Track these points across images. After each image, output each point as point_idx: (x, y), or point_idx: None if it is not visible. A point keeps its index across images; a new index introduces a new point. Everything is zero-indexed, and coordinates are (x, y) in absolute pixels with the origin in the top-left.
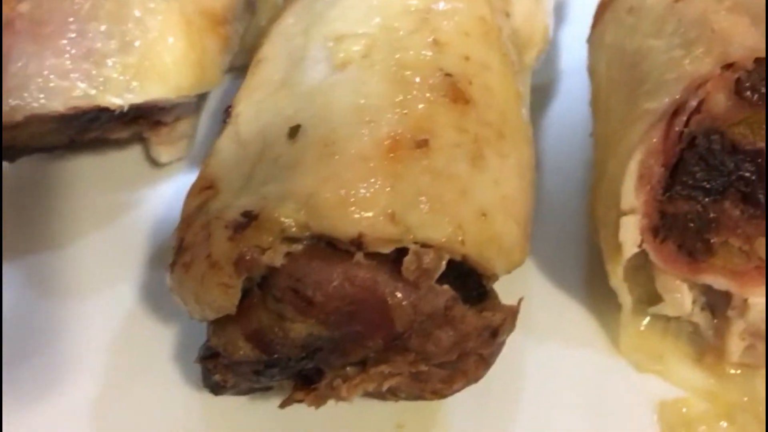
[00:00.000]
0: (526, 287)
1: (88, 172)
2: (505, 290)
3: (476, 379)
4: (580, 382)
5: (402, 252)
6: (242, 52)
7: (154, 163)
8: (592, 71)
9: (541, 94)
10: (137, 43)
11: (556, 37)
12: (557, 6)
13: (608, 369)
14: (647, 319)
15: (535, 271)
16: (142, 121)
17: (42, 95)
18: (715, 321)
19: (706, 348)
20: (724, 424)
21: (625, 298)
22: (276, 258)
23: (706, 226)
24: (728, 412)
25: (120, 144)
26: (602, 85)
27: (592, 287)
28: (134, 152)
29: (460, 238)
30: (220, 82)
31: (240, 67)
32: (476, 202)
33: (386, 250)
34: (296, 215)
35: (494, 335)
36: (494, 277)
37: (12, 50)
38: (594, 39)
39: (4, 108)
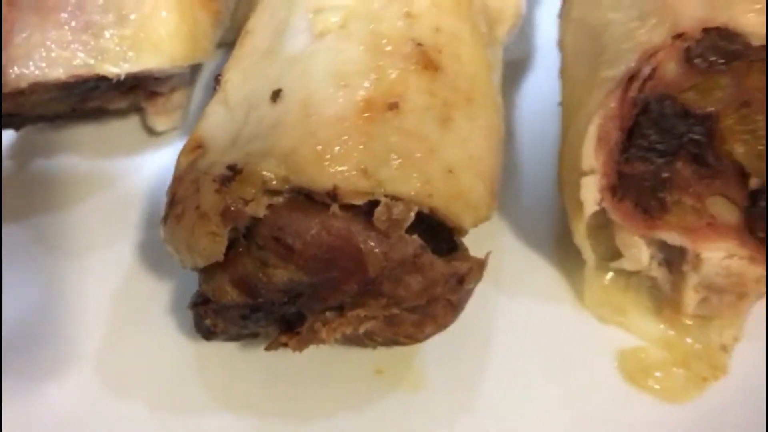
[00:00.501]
0: (499, 245)
1: (89, 140)
2: (479, 247)
3: (446, 325)
4: (546, 333)
5: (374, 204)
6: (234, 27)
7: (151, 131)
8: (561, 44)
9: (519, 68)
10: (133, 16)
11: (534, 13)
12: None
13: (573, 321)
14: (610, 274)
15: (507, 231)
16: (138, 92)
17: (44, 64)
18: (672, 276)
19: (664, 301)
20: (679, 370)
21: (588, 254)
22: (259, 209)
23: (660, 186)
24: (683, 360)
25: (119, 114)
26: (569, 57)
27: (560, 245)
28: (132, 122)
29: (428, 193)
30: (212, 55)
31: (232, 42)
32: (444, 160)
33: (359, 202)
34: (277, 170)
35: (461, 282)
36: (463, 231)
37: (16, 23)
38: (563, 14)
39: (10, 76)
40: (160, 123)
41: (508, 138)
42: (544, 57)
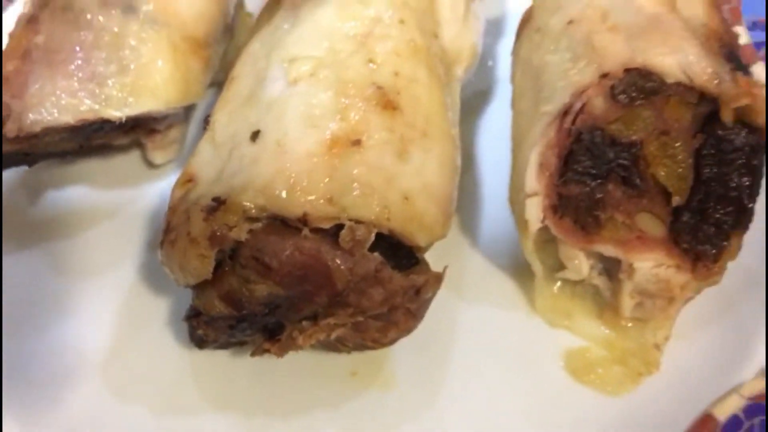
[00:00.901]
0: (462, 259)
1: (95, 173)
2: (445, 260)
3: (408, 330)
4: (503, 337)
5: (340, 227)
6: (223, 68)
7: (151, 164)
8: (512, 80)
9: (482, 98)
10: (132, 66)
11: (496, 49)
12: (498, 21)
13: (526, 325)
14: (558, 283)
15: (469, 246)
16: (139, 130)
17: (56, 110)
18: (611, 283)
19: (605, 306)
20: (617, 367)
21: (537, 266)
22: (241, 234)
23: (594, 205)
24: (621, 357)
25: (121, 149)
26: (517, 91)
27: (515, 259)
28: (133, 156)
29: (386, 216)
30: (203, 96)
31: (221, 82)
32: (401, 188)
33: (327, 225)
34: (255, 200)
35: (418, 293)
36: (421, 249)
37: (30, 75)
38: (514, 52)
39: (26, 122)
40: (158, 157)
41: (471, 163)
42: (505, 89)
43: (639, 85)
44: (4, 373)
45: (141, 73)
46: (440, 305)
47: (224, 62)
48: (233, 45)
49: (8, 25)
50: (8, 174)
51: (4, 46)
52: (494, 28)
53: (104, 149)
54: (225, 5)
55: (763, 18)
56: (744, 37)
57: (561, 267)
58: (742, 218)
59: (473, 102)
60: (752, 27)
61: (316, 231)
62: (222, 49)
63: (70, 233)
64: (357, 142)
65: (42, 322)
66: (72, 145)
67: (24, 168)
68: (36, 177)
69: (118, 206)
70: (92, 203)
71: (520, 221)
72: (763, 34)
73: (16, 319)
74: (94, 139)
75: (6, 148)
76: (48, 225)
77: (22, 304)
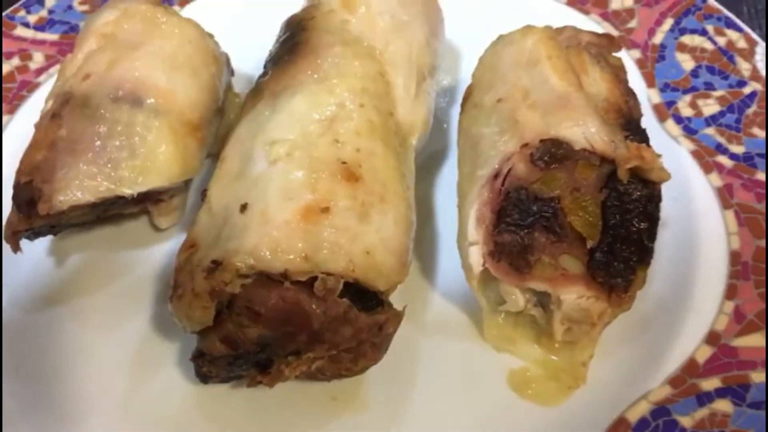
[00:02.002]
0: (423, 298)
1: (110, 238)
2: (408, 300)
3: (375, 360)
4: (458, 361)
5: (314, 279)
6: (216, 142)
7: (157, 228)
8: (458, 145)
9: (438, 158)
10: (140, 151)
11: (450, 113)
12: (452, 89)
13: (476, 351)
14: (502, 315)
15: (428, 287)
16: (146, 200)
17: (79, 192)
18: (545, 313)
19: (541, 332)
20: (551, 382)
21: (482, 302)
22: (235, 288)
23: (525, 249)
24: (555, 374)
25: (131, 216)
26: (461, 156)
27: (467, 296)
28: (142, 221)
29: (351, 269)
30: (200, 169)
31: (215, 153)
32: (363, 244)
33: (304, 278)
34: (245, 261)
35: (381, 329)
36: (385, 292)
37: (57, 162)
38: (459, 122)
39: (56, 202)
40: (163, 222)
41: (429, 215)
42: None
43: (553, 153)
44: (32, 410)
45: (148, 156)
46: (405, 337)
47: (217, 137)
48: (224, 122)
49: (31, 111)
50: (38, 242)
51: (27, 133)
52: (449, 95)
53: (117, 217)
54: (215, 93)
55: (676, 79)
56: (655, 98)
57: (503, 301)
58: (644, 255)
59: (431, 161)
60: (664, 88)
61: (296, 283)
62: (215, 128)
63: (90, 290)
64: (326, 209)
65: (67, 367)
66: (91, 216)
67: (51, 237)
68: (61, 244)
69: (130, 265)
70: (108, 264)
71: (466, 265)
72: (676, 94)
73: (44, 365)
74: (110, 211)
75: (38, 222)
76: (72, 284)
77: (50, 352)
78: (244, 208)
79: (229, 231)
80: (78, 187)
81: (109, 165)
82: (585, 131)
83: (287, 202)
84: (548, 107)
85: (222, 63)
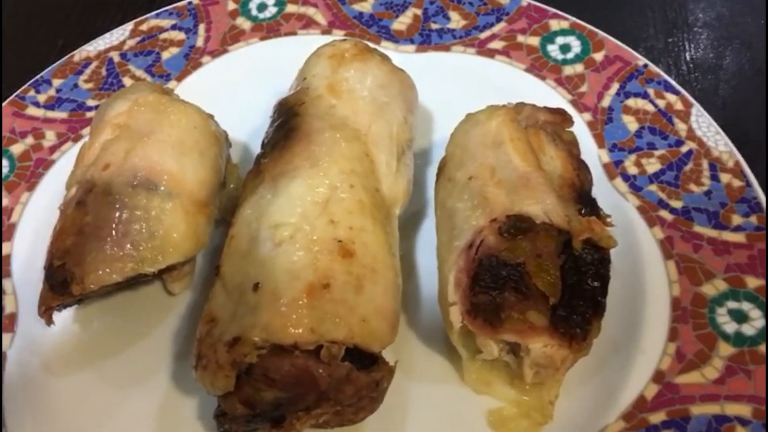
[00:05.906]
0: (410, 348)
1: (128, 303)
2: (397, 350)
3: (372, 410)
4: (441, 403)
5: (320, 347)
6: (219, 212)
7: (170, 293)
8: (435, 213)
9: (418, 217)
10: (159, 233)
11: (426, 173)
12: (427, 151)
13: (458, 393)
14: (480, 361)
15: (414, 338)
16: (162, 272)
17: (107, 273)
18: (516, 359)
19: (514, 375)
20: (524, 420)
21: (462, 351)
22: (253, 358)
23: (497, 307)
24: (527, 412)
25: (146, 283)
26: (438, 224)
27: (448, 346)
28: (156, 287)
29: (350, 336)
30: (209, 242)
31: (219, 220)
32: (359, 314)
33: (311, 347)
34: (261, 335)
35: (377, 385)
36: (378, 353)
37: (85, 247)
38: (435, 192)
39: (87, 282)
40: (176, 287)
41: (413, 271)
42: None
43: (518, 226)
44: None
45: (165, 237)
46: (395, 383)
47: (220, 205)
48: (225, 192)
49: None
50: (65, 312)
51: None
52: (425, 156)
53: (134, 285)
54: (219, 170)
55: (622, 140)
56: (605, 157)
57: (480, 351)
58: (598, 309)
59: (412, 220)
60: (612, 148)
61: (304, 351)
62: (219, 201)
63: (113, 352)
64: (327, 285)
65: (94, 425)
66: (113, 289)
67: (75, 306)
68: (85, 312)
69: (148, 328)
70: (127, 326)
71: (447, 321)
72: (623, 154)
73: (74, 424)
74: (129, 283)
75: (70, 300)
76: (96, 347)
77: (78, 411)
78: (256, 287)
79: (245, 308)
80: (106, 268)
81: (131, 247)
82: (544, 207)
83: (294, 281)
84: (512, 186)
85: (222, 141)
